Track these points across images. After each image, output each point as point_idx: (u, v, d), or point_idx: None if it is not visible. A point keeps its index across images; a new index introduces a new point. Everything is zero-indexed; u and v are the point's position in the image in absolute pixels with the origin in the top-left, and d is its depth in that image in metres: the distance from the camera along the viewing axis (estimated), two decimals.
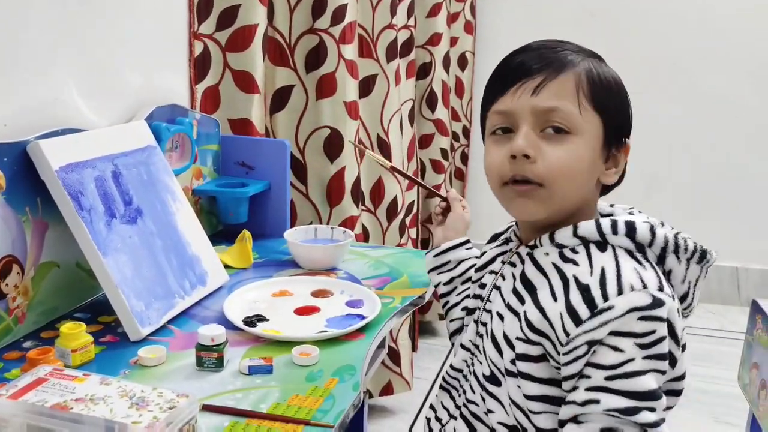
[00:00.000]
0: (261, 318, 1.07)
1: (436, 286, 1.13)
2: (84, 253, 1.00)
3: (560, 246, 0.82)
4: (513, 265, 0.88)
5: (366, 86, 1.82)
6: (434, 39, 2.31)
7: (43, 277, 1.04)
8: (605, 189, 0.89)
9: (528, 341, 0.80)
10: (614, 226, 0.80)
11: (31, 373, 0.81)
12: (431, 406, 1.00)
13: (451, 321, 1.06)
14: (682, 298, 0.83)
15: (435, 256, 1.11)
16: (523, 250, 0.86)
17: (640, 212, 0.90)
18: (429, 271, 1.13)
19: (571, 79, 0.82)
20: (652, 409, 0.74)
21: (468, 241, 1.12)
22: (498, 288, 0.89)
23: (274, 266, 1.31)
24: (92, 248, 0.99)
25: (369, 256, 1.37)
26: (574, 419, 0.76)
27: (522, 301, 0.82)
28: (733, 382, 1.49)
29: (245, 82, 1.48)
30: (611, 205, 0.92)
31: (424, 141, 2.37)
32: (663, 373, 0.76)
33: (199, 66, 1.43)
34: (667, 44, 2.70)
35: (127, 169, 1.11)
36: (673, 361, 0.79)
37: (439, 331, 2.51)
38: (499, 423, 0.86)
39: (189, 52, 1.40)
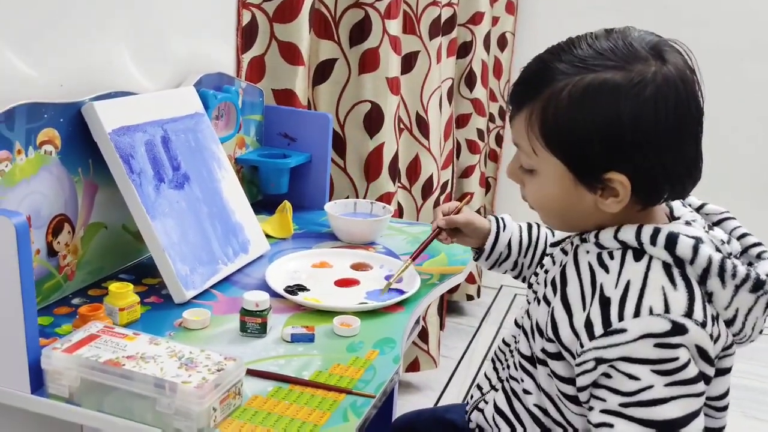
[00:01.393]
0: (302, 288, 1.08)
1: (504, 273, 1.11)
2: (133, 216, 1.02)
3: (601, 247, 0.80)
4: (565, 252, 0.87)
5: (408, 62, 1.81)
6: (476, 18, 2.29)
7: (92, 237, 1.06)
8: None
9: (548, 339, 0.81)
10: (654, 235, 0.76)
11: (83, 329, 0.83)
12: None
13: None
14: (728, 323, 0.78)
15: (486, 259, 1.10)
16: (576, 240, 0.85)
17: (729, 218, 0.85)
18: (489, 269, 1.11)
19: (524, 118, 0.79)
20: None
21: (498, 224, 1.08)
22: (547, 271, 0.89)
23: (314, 238, 1.32)
24: (141, 211, 1.01)
25: (407, 232, 1.38)
26: None
27: (555, 293, 0.82)
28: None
29: (290, 53, 1.48)
30: (698, 208, 0.87)
31: (461, 120, 2.36)
32: (698, 395, 0.73)
33: (246, 35, 1.43)
34: (712, 32, 2.64)
35: (176, 134, 1.12)
36: (707, 379, 0.75)
37: (466, 310, 2.51)
38: (535, 405, 0.87)
39: (237, 21, 1.40)
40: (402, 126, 1.84)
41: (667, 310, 0.72)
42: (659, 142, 0.74)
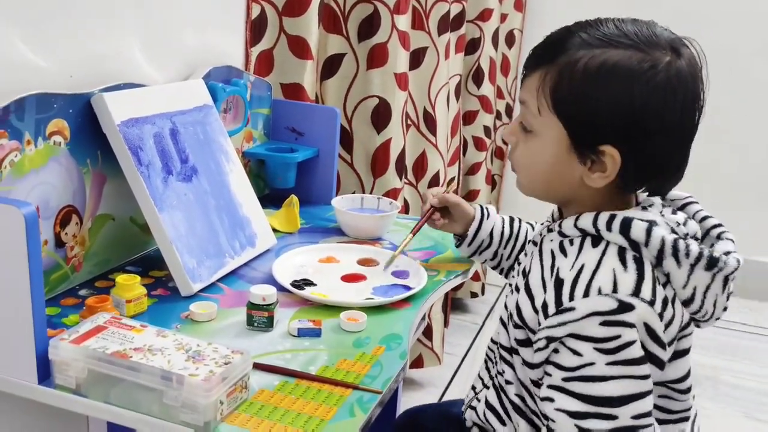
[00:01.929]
0: (308, 282, 1.08)
1: (483, 263, 1.15)
2: (141, 208, 1.02)
3: (563, 235, 0.84)
4: (534, 244, 0.90)
5: (416, 58, 1.81)
6: (485, 14, 2.28)
7: (99, 228, 1.06)
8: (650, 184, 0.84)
9: (517, 326, 0.83)
10: (610, 221, 0.79)
11: (91, 320, 0.83)
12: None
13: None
14: (687, 302, 0.81)
15: (468, 245, 1.14)
16: (544, 231, 0.88)
17: (692, 203, 0.88)
18: (470, 257, 1.16)
19: (538, 77, 0.81)
20: (606, 417, 0.74)
21: (482, 212, 1.13)
22: (520, 263, 0.92)
23: (320, 232, 1.32)
24: (149, 203, 1.01)
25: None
26: (547, 426, 0.79)
27: (525, 282, 0.85)
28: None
29: (299, 47, 1.47)
30: (693, 218, 0.88)
31: (468, 117, 2.36)
32: (641, 378, 0.75)
33: (255, 29, 1.43)
34: (721, 30, 2.63)
35: (184, 127, 1.12)
36: (659, 363, 0.78)
37: (470, 307, 2.51)
38: (516, 395, 0.89)
39: (246, 14, 1.40)
40: (409, 122, 1.83)
41: (615, 289, 0.75)
42: (659, 129, 0.77)
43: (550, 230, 0.87)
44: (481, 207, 1.14)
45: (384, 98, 1.63)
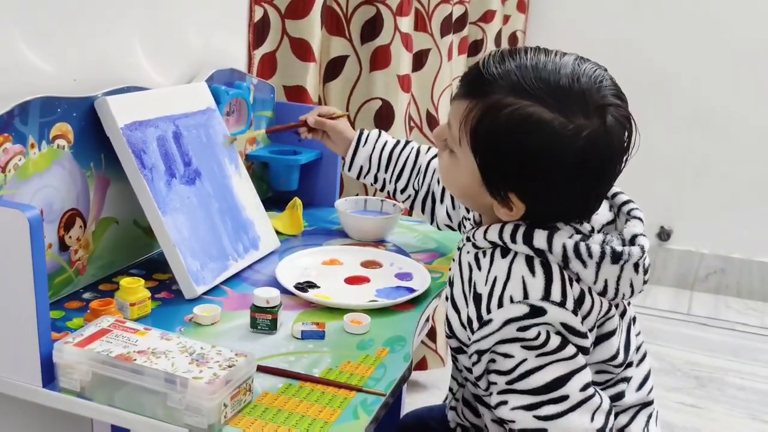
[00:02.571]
0: (312, 284, 1.08)
1: (371, 185, 1.26)
2: (144, 211, 1.02)
3: (476, 247, 0.87)
4: (459, 249, 0.92)
5: (419, 60, 1.81)
6: (487, 16, 2.28)
7: (103, 232, 1.06)
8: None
9: (448, 336, 0.88)
10: (514, 233, 0.82)
11: (95, 323, 0.83)
12: None
13: (404, 202, 1.25)
14: (602, 293, 0.84)
15: (348, 170, 1.23)
16: (464, 240, 0.91)
17: (628, 203, 0.89)
18: (357, 179, 1.25)
19: (465, 108, 0.81)
20: (557, 400, 0.79)
21: (361, 135, 1.21)
22: (450, 269, 0.94)
23: (324, 235, 1.32)
24: (152, 206, 1.01)
25: (417, 230, 1.37)
26: (510, 429, 0.83)
27: (451, 291, 0.88)
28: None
29: (302, 50, 1.48)
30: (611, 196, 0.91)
31: None
32: (568, 359, 0.80)
33: (258, 31, 1.43)
34: (725, 27, 2.62)
35: (187, 130, 1.12)
36: (584, 350, 0.82)
37: None
38: (473, 394, 0.94)
39: (249, 17, 1.40)
40: (412, 124, 1.83)
41: (525, 296, 0.79)
42: (568, 189, 0.80)
43: (468, 239, 0.89)
44: (360, 132, 1.22)
45: (387, 100, 1.63)
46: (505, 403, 0.82)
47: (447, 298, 0.90)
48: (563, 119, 0.76)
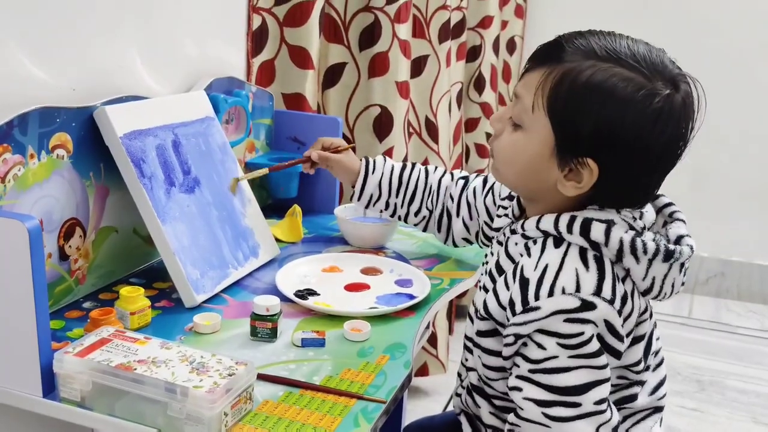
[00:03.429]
0: (312, 292, 1.08)
1: (380, 213, 1.24)
2: (144, 220, 1.02)
3: (526, 237, 0.87)
4: (500, 243, 0.92)
5: (417, 67, 1.81)
6: (485, 21, 2.29)
7: (103, 241, 1.06)
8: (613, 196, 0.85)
9: (482, 318, 0.87)
10: (570, 224, 0.82)
11: (95, 333, 0.83)
12: None
13: (416, 225, 1.23)
14: (646, 292, 0.85)
15: (358, 200, 1.21)
16: (508, 232, 0.90)
17: (669, 205, 0.90)
18: (366, 208, 1.23)
19: (540, 74, 0.82)
20: (570, 405, 0.79)
21: (368, 165, 1.20)
22: (487, 262, 0.95)
23: (323, 242, 1.32)
24: (152, 215, 1.01)
25: (416, 236, 1.37)
26: (515, 412, 0.83)
27: (493, 281, 0.89)
28: None
29: (300, 57, 1.48)
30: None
31: (470, 124, 2.36)
32: (599, 368, 0.80)
33: (257, 40, 1.44)
34: (723, 35, 2.63)
35: (186, 138, 1.12)
36: (617, 354, 0.82)
37: None
38: (479, 379, 0.94)
39: (247, 25, 1.40)
40: (411, 130, 1.83)
41: (578, 289, 0.79)
42: (642, 155, 0.80)
43: (513, 231, 0.89)
44: (366, 160, 1.20)
45: (386, 107, 1.63)
46: (519, 389, 0.82)
47: (482, 288, 0.91)
48: (642, 80, 0.78)
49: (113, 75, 1.10)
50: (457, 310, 2.41)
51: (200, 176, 1.12)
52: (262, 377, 0.85)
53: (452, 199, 1.18)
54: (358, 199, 1.21)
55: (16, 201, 0.90)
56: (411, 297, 1.08)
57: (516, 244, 0.88)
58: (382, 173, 1.20)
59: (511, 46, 2.64)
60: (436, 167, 1.22)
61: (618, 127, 0.78)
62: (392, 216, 1.23)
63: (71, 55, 1.02)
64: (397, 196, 1.19)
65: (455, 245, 1.22)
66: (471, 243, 1.20)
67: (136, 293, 0.95)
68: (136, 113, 1.05)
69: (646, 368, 0.90)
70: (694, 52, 2.63)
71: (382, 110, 1.63)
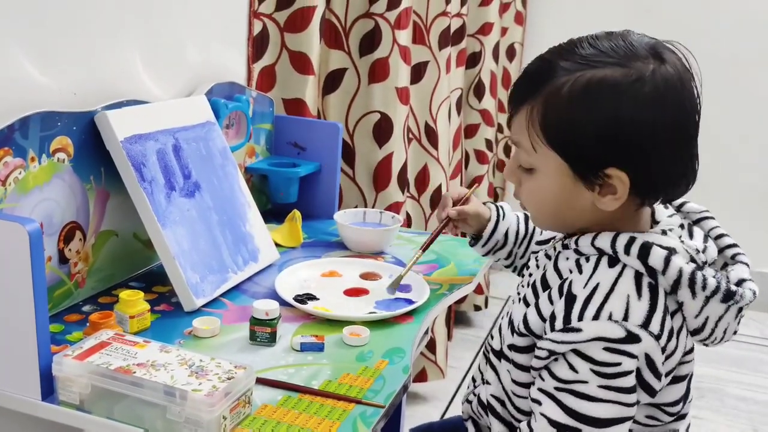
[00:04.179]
0: (311, 297, 1.08)
1: (496, 261, 1.15)
2: (144, 224, 1.02)
3: (579, 253, 0.82)
4: (548, 257, 0.89)
5: (417, 73, 1.82)
6: (485, 28, 2.30)
7: (103, 245, 1.06)
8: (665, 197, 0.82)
9: (521, 334, 0.83)
10: (629, 245, 0.78)
11: (94, 336, 0.83)
12: None
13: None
14: (696, 332, 0.80)
15: (483, 246, 1.12)
16: (559, 246, 0.87)
17: (708, 218, 0.88)
18: (484, 255, 1.14)
19: (525, 113, 0.80)
20: None
21: (498, 213, 1.11)
22: (531, 274, 0.91)
23: (323, 247, 1.32)
24: (152, 219, 1.01)
25: (416, 242, 1.38)
26: (529, 422, 0.80)
27: (536, 296, 0.84)
28: None
29: (301, 63, 1.48)
30: (679, 207, 0.89)
31: (470, 131, 2.36)
32: (627, 405, 0.76)
33: (258, 45, 1.44)
34: (723, 44, 2.64)
35: (187, 143, 1.13)
36: (651, 391, 0.79)
37: (474, 321, 2.51)
38: (492, 395, 0.90)
39: (248, 30, 1.41)
40: (411, 136, 1.84)
41: (625, 317, 0.75)
42: (656, 141, 0.76)
43: (565, 246, 0.85)
44: (497, 207, 1.13)
45: (385, 113, 1.64)
46: (539, 403, 0.79)
47: (522, 301, 0.87)
48: (622, 69, 0.75)
49: (114, 79, 1.10)
50: (455, 316, 2.41)
51: (200, 180, 1.12)
52: (261, 381, 0.85)
53: None
54: (483, 245, 1.11)
55: (17, 204, 0.90)
56: (410, 302, 1.08)
57: (567, 259, 0.83)
58: (510, 222, 1.11)
59: (511, 53, 2.65)
60: None
61: (618, 125, 0.75)
62: (508, 267, 1.14)
63: (73, 59, 1.02)
64: (520, 246, 1.11)
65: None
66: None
67: (135, 297, 0.95)
68: (137, 117, 1.05)
69: (682, 416, 0.86)
70: (694, 62, 2.64)
71: (382, 116, 1.64)
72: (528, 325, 0.82)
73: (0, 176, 0.88)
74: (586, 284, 0.78)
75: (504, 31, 2.56)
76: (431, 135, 1.88)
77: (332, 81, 1.63)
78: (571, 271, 0.82)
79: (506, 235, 1.10)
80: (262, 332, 0.94)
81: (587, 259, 0.81)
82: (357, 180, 1.68)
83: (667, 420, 0.85)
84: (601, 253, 0.80)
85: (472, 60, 2.30)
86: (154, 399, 0.75)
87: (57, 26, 0.99)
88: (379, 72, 1.62)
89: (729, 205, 2.71)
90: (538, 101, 0.78)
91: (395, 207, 1.69)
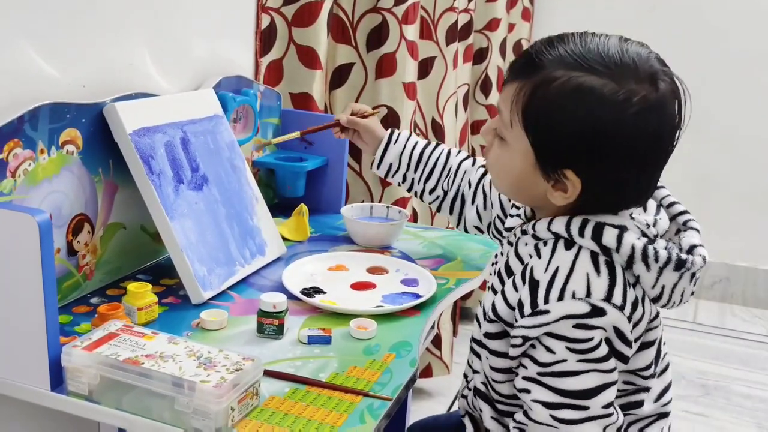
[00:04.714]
0: (318, 290, 1.08)
1: (398, 185, 1.25)
2: (152, 216, 1.02)
3: (537, 238, 0.86)
4: (510, 244, 0.92)
5: (424, 68, 1.82)
6: (492, 24, 2.29)
7: (111, 237, 1.07)
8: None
9: (491, 321, 0.86)
10: (582, 227, 0.81)
11: (103, 327, 0.84)
12: None
13: (431, 204, 1.23)
14: (656, 299, 0.84)
15: (377, 167, 1.23)
16: (518, 232, 0.90)
17: (659, 187, 0.89)
18: (384, 177, 1.25)
19: (514, 90, 0.81)
20: (578, 407, 0.80)
21: (392, 133, 1.22)
22: (497, 262, 0.94)
23: (330, 241, 1.32)
24: (160, 212, 1.02)
25: (422, 236, 1.38)
26: (524, 412, 0.84)
27: (502, 283, 0.88)
28: None
29: (308, 57, 1.49)
30: (661, 203, 0.90)
31: (476, 126, 2.36)
32: (608, 371, 0.80)
33: (265, 39, 1.44)
34: (728, 40, 2.63)
35: (195, 136, 1.13)
36: (624, 359, 0.82)
37: None
38: (482, 383, 0.94)
39: (256, 24, 1.41)
40: (417, 131, 1.84)
41: (588, 294, 0.79)
42: (621, 161, 0.78)
43: (524, 232, 0.88)
44: (391, 131, 1.22)
45: (393, 108, 1.64)
46: (528, 391, 0.82)
47: (491, 289, 0.91)
48: (614, 85, 0.76)
49: (123, 72, 1.10)
50: (461, 312, 2.41)
51: (208, 174, 1.13)
52: (268, 374, 0.85)
53: (470, 185, 1.17)
54: (378, 167, 1.23)
55: (26, 196, 0.91)
56: (417, 296, 1.08)
57: (526, 244, 0.87)
58: (405, 146, 1.21)
59: (518, 49, 2.64)
60: (459, 150, 1.22)
61: (594, 135, 0.76)
62: (409, 191, 1.25)
63: (82, 51, 1.02)
64: (415, 171, 1.20)
65: (466, 231, 1.21)
66: (482, 232, 1.19)
67: (143, 289, 0.96)
68: (146, 110, 1.06)
69: (653, 374, 0.89)
70: (701, 58, 2.63)
71: (389, 111, 1.64)
72: (497, 312, 0.86)
73: (10, 168, 0.88)
74: (547, 268, 0.81)
75: (511, 27, 2.56)
76: (438, 130, 1.87)
77: (339, 76, 1.63)
78: (531, 256, 0.86)
79: (399, 158, 1.21)
80: (270, 325, 0.94)
81: (545, 243, 0.84)
82: (364, 175, 1.68)
83: (642, 384, 0.89)
84: (557, 237, 0.83)
85: (479, 56, 2.29)
86: (163, 390, 0.75)
87: (66, 19, 0.99)
88: (386, 67, 1.62)
89: (735, 202, 2.70)
90: (529, 84, 0.80)
91: (402, 202, 1.69)
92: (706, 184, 2.70)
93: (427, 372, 1.98)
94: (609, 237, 0.80)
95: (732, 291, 2.78)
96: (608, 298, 0.78)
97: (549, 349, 0.80)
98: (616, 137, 0.76)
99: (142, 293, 0.95)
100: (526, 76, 0.80)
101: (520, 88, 0.80)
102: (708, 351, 2.37)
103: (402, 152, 1.21)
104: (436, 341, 1.97)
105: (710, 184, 2.71)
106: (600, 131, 0.76)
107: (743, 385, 2.15)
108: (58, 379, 0.80)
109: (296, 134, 1.31)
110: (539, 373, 0.81)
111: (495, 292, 0.89)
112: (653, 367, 0.88)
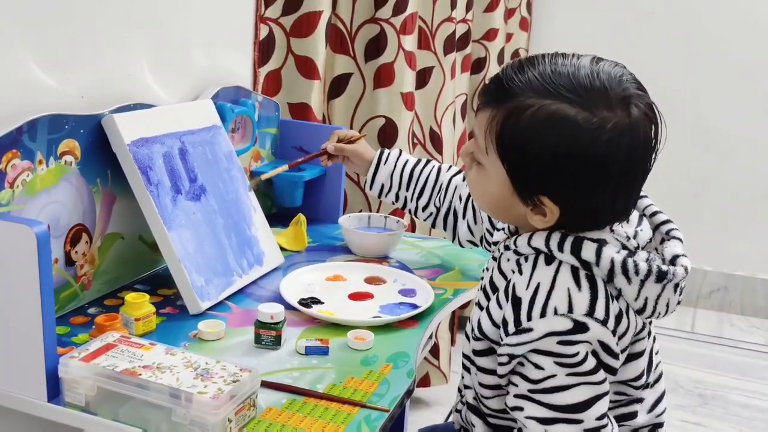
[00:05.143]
0: (316, 300, 1.08)
1: (392, 204, 1.27)
2: (150, 227, 1.03)
3: (518, 253, 0.86)
4: (494, 259, 0.92)
5: (422, 78, 1.82)
6: (490, 34, 2.30)
7: (109, 247, 1.07)
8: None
9: (477, 339, 0.87)
10: (561, 242, 0.81)
11: (100, 338, 0.84)
12: None
13: (425, 220, 1.25)
14: (640, 311, 0.83)
15: (370, 189, 1.25)
16: (502, 248, 0.90)
17: (642, 197, 0.89)
18: (378, 197, 1.27)
19: (487, 117, 0.81)
20: (572, 421, 0.79)
21: (381, 154, 1.24)
22: (483, 278, 0.95)
23: (327, 251, 1.32)
24: (158, 222, 1.02)
25: (420, 246, 1.38)
26: (518, 429, 0.83)
27: (487, 299, 0.89)
28: None
29: (307, 67, 1.49)
30: (644, 213, 0.90)
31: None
32: (598, 383, 0.80)
33: (264, 49, 1.45)
34: (727, 45, 2.64)
35: (193, 147, 1.13)
36: (612, 371, 0.82)
37: None
38: (473, 398, 0.93)
39: (255, 35, 1.42)
40: (415, 141, 1.84)
41: (570, 310, 0.78)
42: (599, 186, 0.78)
43: (506, 247, 0.88)
44: (381, 152, 1.24)
45: (390, 118, 1.64)
46: (521, 408, 0.82)
47: (477, 304, 0.91)
48: (587, 113, 0.76)
49: (121, 83, 1.11)
50: (459, 322, 2.40)
51: (206, 184, 1.13)
52: (265, 384, 0.85)
53: (460, 200, 1.18)
54: (370, 188, 1.25)
55: (24, 206, 0.91)
56: (414, 307, 1.08)
57: (508, 260, 0.88)
58: (395, 166, 1.23)
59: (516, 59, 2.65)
60: (450, 166, 1.23)
61: (568, 163, 0.77)
62: (403, 209, 1.26)
63: (80, 62, 1.03)
64: (407, 189, 1.22)
65: (461, 245, 1.22)
66: (476, 245, 1.20)
67: (141, 299, 0.96)
68: (144, 121, 1.06)
69: (646, 385, 0.89)
70: (698, 63, 2.64)
71: (387, 121, 1.64)
72: (482, 330, 0.86)
73: (8, 178, 0.88)
74: (528, 285, 0.81)
75: (509, 36, 2.56)
76: (436, 140, 1.88)
77: (338, 86, 1.64)
78: (513, 272, 0.86)
79: (390, 178, 1.23)
80: (267, 335, 0.94)
81: (526, 259, 0.85)
82: (362, 184, 1.68)
83: (635, 395, 0.88)
84: (537, 252, 0.83)
85: (477, 65, 2.30)
86: (160, 401, 0.75)
87: (65, 30, 0.99)
88: (384, 77, 1.63)
89: (733, 211, 2.71)
90: (501, 112, 0.79)
91: (400, 212, 1.69)
92: (704, 192, 2.71)
93: (425, 381, 1.98)
94: (588, 251, 0.80)
95: (730, 300, 2.78)
96: (590, 313, 0.78)
97: (538, 366, 0.80)
98: (589, 165, 0.77)
99: (139, 303, 0.95)
100: (498, 103, 0.80)
101: (493, 116, 0.80)
102: (705, 360, 2.37)
103: (393, 172, 1.23)
104: (434, 351, 1.96)
105: (709, 193, 2.72)
106: (573, 159, 0.76)
107: (741, 394, 2.15)
108: (55, 390, 0.80)
109: (284, 167, 1.31)
110: (530, 390, 0.81)
111: (481, 308, 0.89)
112: (645, 377, 0.87)
